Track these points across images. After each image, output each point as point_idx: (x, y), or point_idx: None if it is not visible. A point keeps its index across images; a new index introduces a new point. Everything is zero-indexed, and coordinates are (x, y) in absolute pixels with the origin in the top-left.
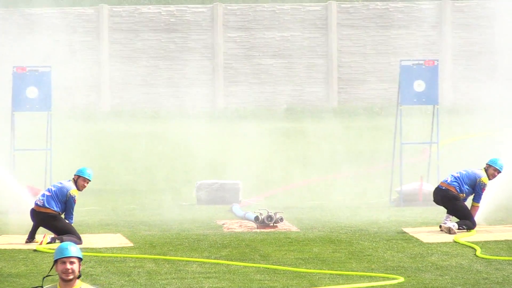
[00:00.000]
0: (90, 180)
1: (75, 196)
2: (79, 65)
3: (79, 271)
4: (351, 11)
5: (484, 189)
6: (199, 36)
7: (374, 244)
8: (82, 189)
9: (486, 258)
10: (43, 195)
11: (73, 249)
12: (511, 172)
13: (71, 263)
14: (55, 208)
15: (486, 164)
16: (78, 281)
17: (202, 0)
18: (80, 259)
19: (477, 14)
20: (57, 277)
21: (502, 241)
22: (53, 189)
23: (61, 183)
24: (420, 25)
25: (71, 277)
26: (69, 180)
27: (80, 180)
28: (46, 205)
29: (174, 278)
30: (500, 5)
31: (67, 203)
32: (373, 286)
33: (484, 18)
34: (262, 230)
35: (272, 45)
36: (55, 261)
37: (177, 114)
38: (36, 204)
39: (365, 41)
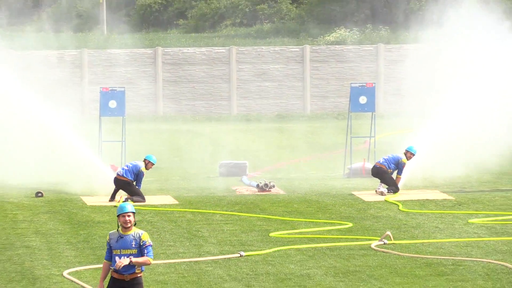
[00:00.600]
0: (154, 164)
1: (144, 172)
2: (142, 86)
3: (134, 221)
4: (319, 51)
5: (404, 167)
6: (220, 67)
7: (333, 202)
8: (149, 169)
9: (405, 211)
10: (122, 169)
11: (129, 207)
12: (422, 155)
13: (128, 216)
14: (130, 178)
15: (405, 150)
16: (133, 227)
17: (223, 44)
18: (134, 213)
19: (400, 53)
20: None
21: (415, 200)
22: (130, 165)
23: (135, 162)
24: (364, 60)
25: (129, 225)
26: (141, 161)
27: (149, 164)
28: (124, 175)
29: (204, 224)
30: (412, 47)
31: (138, 175)
32: (332, 229)
33: (403, 55)
34: (261, 193)
35: (268, 73)
36: (118, 216)
37: (207, 118)
38: (118, 174)
39: (328, 70)
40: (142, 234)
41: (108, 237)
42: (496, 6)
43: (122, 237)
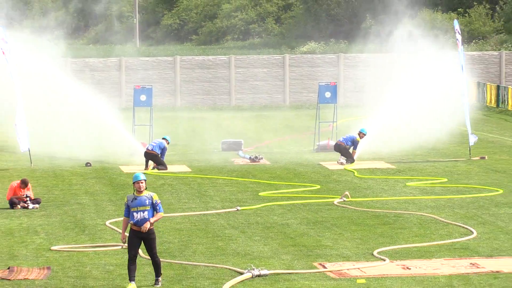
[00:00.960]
0: (169, 142)
1: (167, 147)
2: (165, 84)
3: (145, 186)
4: (295, 58)
5: (358, 144)
6: (223, 71)
7: (306, 170)
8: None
9: (359, 177)
10: (151, 145)
11: (142, 176)
12: (371, 136)
13: (141, 183)
14: (157, 151)
15: (359, 131)
16: (145, 191)
17: (224, 54)
18: (145, 180)
19: (355, 60)
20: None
21: (367, 168)
22: (157, 142)
23: (160, 140)
24: (328, 66)
25: (142, 189)
26: (162, 139)
27: (166, 142)
28: (154, 149)
29: (210, 186)
30: (364, 56)
31: (163, 150)
32: (305, 190)
33: (358, 62)
34: (252, 163)
35: (258, 75)
36: (133, 183)
37: (212, 108)
38: (147, 149)
39: (302, 73)
40: (153, 195)
41: (126, 199)
42: (426, 26)
43: (136, 198)
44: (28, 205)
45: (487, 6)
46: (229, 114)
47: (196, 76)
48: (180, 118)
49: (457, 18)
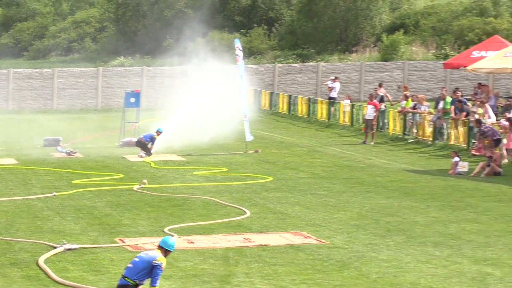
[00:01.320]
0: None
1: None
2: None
3: None
4: (107, 70)
5: (155, 140)
6: (47, 81)
7: (112, 162)
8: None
9: (156, 167)
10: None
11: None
12: (167, 134)
13: None
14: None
15: (156, 130)
16: None
17: (49, 67)
18: None
19: (155, 72)
20: None
21: (162, 160)
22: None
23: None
24: (134, 76)
25: None
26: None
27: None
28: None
29: (33, 176)
30: (163, 69)
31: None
32: (111, 178)
33: (157, 74)
34: (68, 157)
35: (76, 84)
36: None
37: (37, 111)
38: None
39: (113, 82)
40: None
41: None
42: (214, 44)
43: None
44: None
45: (265, 27)
46: (51, 116)
47: (26, 86)
48: (10, 120)
49: (239, 38)
